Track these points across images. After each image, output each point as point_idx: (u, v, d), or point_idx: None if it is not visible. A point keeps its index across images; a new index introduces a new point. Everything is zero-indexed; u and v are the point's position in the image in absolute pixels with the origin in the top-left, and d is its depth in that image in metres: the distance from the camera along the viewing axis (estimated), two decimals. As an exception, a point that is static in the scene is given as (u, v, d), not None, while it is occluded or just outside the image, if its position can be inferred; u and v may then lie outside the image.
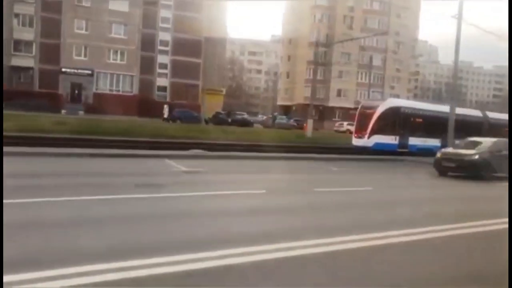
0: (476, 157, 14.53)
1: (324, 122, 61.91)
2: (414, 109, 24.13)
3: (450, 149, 16.40)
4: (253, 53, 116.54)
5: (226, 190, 9.05)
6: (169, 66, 48.37)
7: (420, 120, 23.72)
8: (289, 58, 70.23)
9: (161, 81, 48.53)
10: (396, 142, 22.66)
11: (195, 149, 16.18)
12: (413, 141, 23.09)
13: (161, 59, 48.41)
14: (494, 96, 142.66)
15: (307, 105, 67.24)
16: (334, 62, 65.12)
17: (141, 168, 12.20)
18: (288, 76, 70.51)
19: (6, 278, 3.48)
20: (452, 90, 26.44)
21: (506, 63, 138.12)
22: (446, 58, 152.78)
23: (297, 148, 21.52)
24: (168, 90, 48.70)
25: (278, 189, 9.82)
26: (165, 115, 39.25)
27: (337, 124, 54.63)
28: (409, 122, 23.22)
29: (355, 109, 68.13)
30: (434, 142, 22.73)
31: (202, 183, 10.37)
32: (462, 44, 20.73)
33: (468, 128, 21.64)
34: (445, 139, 20.77)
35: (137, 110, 42.46)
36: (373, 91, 66.59)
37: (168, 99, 48.15)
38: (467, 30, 25.47)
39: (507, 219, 6.63)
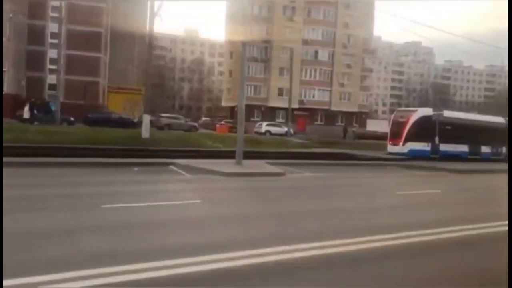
0: None
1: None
2: (444, 117, 25.71)
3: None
4: (192, 52, 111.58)
5: None
6: (62, 61, 42.94)
7: (450, 127, 25.13)
8: (231, 55, 64.45)
9: (53, 79, 43.20)
10: (429, 148, 24.35)
11: None
12: (444, 147, 24.65)
13: (53, 53, 43.11)
14: (486, 96, 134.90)
15: (249, 106, 61.88)
16: (274, 58, 59.23)
17: None
18: (231, 75, 64.74)
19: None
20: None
21: (497, 63, 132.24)
22: (441, 58, 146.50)
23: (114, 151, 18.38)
24: (61, 88, 43.20)
25: None
26: (25, 115, 33.69)
27: (256, 125, 48.65)
28: (440, 129, 24.69)
29: (300, 109, 62.79)
30: (462, 148, 25.42)
31: None
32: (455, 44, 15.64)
33: (493, 135, 24.63)
34: (472, 145, 25.11)
35: (10, 111, 37.07)
36: (319, 89, 60.69)
37: (62, 99, 42.61)
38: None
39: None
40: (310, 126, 60.68)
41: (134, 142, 22.97)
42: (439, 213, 8.69)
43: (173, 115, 41.48)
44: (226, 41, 67.73)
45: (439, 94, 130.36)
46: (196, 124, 40.93)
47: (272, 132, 45.21)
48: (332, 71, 61.55)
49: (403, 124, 24.59)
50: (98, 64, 44.09)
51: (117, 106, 48.36)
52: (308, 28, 60.01)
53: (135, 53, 52.50)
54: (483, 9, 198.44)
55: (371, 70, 65.26)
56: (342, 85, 61.95)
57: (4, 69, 38.86)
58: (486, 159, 25.87)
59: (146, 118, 24.53)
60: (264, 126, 46.22)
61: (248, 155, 21.63)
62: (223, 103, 68.14)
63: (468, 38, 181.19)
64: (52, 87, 43.54)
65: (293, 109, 61.03)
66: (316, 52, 60.50)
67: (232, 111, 65.49)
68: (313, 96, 61.11)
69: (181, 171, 13.77)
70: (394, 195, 11.41)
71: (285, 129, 46.28)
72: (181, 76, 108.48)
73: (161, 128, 37.24)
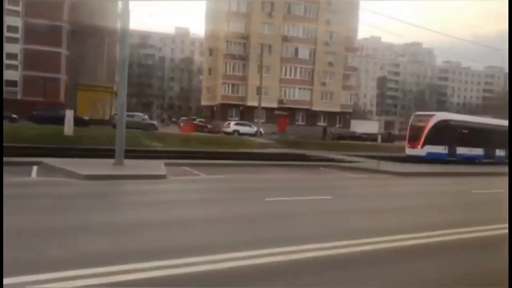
0: None
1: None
2: (461, 121, 26.82)
3: None
4: (182, 51, 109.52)
5: None
6: (20, 56, 41.19)
7: (466, 131, 25.95)
8: (210, 52, 62.43)
9: (11, 74, 41.35)
10: (446, 151, 24.88)
11: None
12: (460, 150, 25.32)
13: (11, 48, 41.24)
14: (484, 98, 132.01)
15: (227, 105, 59.86)
16: (252, 55, 57.01)
17: None
18: (210, 73, 62.69)
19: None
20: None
21: (496, 64, 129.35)
22: (439, 60, 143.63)
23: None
24: (19, 84, 41.46)
25: None
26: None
27: (224, 124, 46.50)
28: (456, 133, 25.52)
29: (280, 109, 60.57)
30: (478, 151, 26.08)
31: None
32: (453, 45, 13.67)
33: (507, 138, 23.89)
34: (487, 148, 25.83)
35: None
36: (300, 88, 58.50)
37: (20, 95, 40.81)
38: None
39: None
40: (291, 126, 58.53)
41: (54, 140, 21.07)
42: (270, 230, 6.64)
43: (130, 113, 39.25)
44: (206, 38, 65.62)
45: (436, 95, 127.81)
46: (155, 122, 38.83)
47: (241, 131, 43.04)
48: (313, 70, 59.31)
49: (422, 128, 25.24)
50: (59, 59, 42.15)
51: (86, 104, 46.55)
52: (288, 25, 57.85)
53: (105, 49, 50.47)
54: (482, 10, 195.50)
55: (355, 69, 62.87)
56: (323, 84, 59.68)
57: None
58: (500, 162, 25.82)
59: (69, 114, 22.50)
60: (232, 126, 44.06)
61: (180, 155, 20.02)
62: (203, 102, 66.08)
63: (466, 40, 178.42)
64: (10, 83, 41.69)
65: (273, 109, 59.10)
66: (296, 50, 58.31)
67: (212, 110, 63.49)
68: (294, 95, 58.90)
69: (33, 173, 11.71)
70: (259, 202, 9.24)
71: (255, 128, 44.15)
72: (171, 75, 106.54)
73: (115, 126, 35.17)
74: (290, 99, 58.81)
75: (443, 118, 26.15)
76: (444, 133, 24.98)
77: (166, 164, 14.85)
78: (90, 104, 45.82)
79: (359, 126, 72.39)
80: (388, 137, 44.19)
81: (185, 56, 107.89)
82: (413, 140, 25.50)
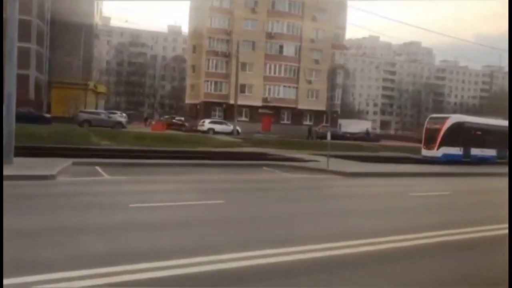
0: None
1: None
2: (475, 123, 27.04)
3: None
4: (174, 49, 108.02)
5: None
6: (-14, 52, 39.66)
7: (480, 133, 26.56)
8: (194, 49, 60.90)
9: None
10: (461, 152, 25.59)
11: None
12: (474, 151, 26.03)
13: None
14: (481, 97, 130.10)
15: (210, 103, 58.30)
16: (235, 53, 55.44)
17: None
18: (194, 70, 61.15)
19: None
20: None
21: (494, 63, 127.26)
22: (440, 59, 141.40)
23: None
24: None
25: None
26: None
27: (199, 122, 44.99)
28: (471, 135, 26.13)
29: (265, 107, 58.95)
30: (491, 152, 26.64)
31: None
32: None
33: None
34: (500, 149, 25.83)
35: None
36: (285, 86, 56.92)
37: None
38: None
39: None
40: (276, 125, 57.00)
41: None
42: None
43: (95, 111, 37.94)
44: (189, 34, 64.10)
45: (433, 95, 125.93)
46: (122, 120, 37.29)
47: (216, 130, 41.58)
48: (298, 67, 57.69)
49: (437, 130, 25.88)
50: (28, 55, 40.63)
51: (60, 102, 45.24)
52: (272, 21, 56.26)
53: (81, 46, 49.05)
54: (483, 10, 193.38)
55: (342, 67, 61.13)
56: (309, 82, 58.05)
57: None
58: None
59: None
60: (207, 124, 42.57)
61: (118, 154, 18.57)
62: (187, 101, 64.52)
63: (466, 40, 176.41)
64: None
65: (257, 107, 57.54)
66: (281, 47, 56.72)
67: (196, 109, 62.00)
68: (278, 94, 57.32)
69: None
70: (124, 210, 7.69)
71: (231, 127, 42.66)
72: (162, 73, 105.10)
73: (80, 124, 33.78)
74: (275, 98, 57.24)
75: (458, 120, 26.76)
76: (459, 134, 25.72)
77: (77, 164, 13.39)
78: (65, 102, 44.39)
79: (350, 125, 70.82)
80: (368, 136, 42.64)
81: (177, 54, 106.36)
82: (429, 142, 26.26)
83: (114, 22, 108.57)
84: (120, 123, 35.98)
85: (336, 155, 26.02)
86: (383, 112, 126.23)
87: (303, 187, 13.31)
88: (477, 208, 10.54)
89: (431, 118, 28.24)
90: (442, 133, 25.47)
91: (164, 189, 10.93)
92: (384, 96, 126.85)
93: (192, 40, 61.76)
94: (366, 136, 46.12)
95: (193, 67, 61.19)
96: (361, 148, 34.51)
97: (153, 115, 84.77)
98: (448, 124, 25.85)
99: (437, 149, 25.37)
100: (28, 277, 4.01)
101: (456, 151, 25.43)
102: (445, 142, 25.32)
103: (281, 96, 57.41)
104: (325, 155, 25.84)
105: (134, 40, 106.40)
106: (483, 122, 27.96)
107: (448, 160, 24.44)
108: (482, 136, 26.75)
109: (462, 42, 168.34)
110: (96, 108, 55.95)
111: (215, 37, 56.30)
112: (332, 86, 20.80)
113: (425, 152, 26.17)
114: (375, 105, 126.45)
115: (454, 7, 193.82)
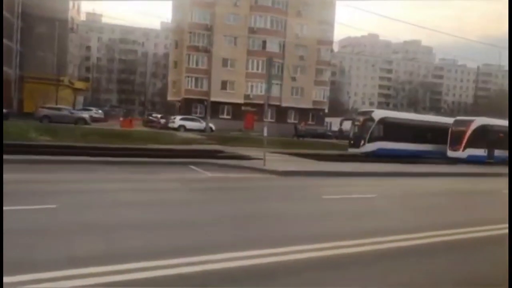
0: None
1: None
2: (498, 126, 27.65)
3: None
4: (166, 46, 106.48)
5: None
6: None
7: (502, 135, 26.74)
8: (176, 44, 59.31)
9: None
10: (485, 154, 26.63)
11: None
12: (497, 153, 26.66)
13: None
14: (480, 96, 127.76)
15: (191, 100, 56.65)
16: (216, 48, 53.80)
17: None
18: (176, 66, 59.54)
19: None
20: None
21: (493, 62, 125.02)
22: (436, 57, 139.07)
23: None
24: None
25: None
26: None
27: (170, 118, 43.39)
28: (493, 136, 26.97)
29: (247, 104, 57.26)
30: None
31: None
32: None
33: None
34: None
35: None
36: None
37: None
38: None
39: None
40: (260, 123, 55.13)
41: None
42: None
43: (55, 106, 36.37)
44: (171, 29, 62.46)
45: (430, 94, 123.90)
46: (85, 116, 35.71)
47: (188, 127, 39.96)
48: (282, 64, 55.91)
49: (463, 132, 26.72)
50: (-7, 48, 39.08)
51: (32, 97, 43.88)
52: (254, 15, 54.54)
53: (55, 41, 47.53)
54: (481, 9, 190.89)
55: (328, 64, 59.31)
56: (294, 79, 56.27)
57: None
58: None
59: None
60: (178, 121, 40.94)
61: (45, 151, 17.02)
62: (169, 97, 62.85)
63: (464, 37, 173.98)
64: None
65: (240, 105, 55.85)
66: (264, 42, 54.97)
67: (177, 106, 60.48)
68: (261, 91, 55.41)
69: None
70: None
71: (204, 124, 41.06)
72: (153, 71, 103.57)
73: (40, 119, 32.31)
74: (258, 95, 55.43)
75: (483, 123, 27.49)
76: (483, 137, 26.78)
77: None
78: (36, 97, 42.94)
79: (335, 124, 69.09)
80: (340, 135, 40.96)
81: (169, 51, 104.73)
82: (455, 143, 26.94)
83: (105, 19, 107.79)
84: (83, 119, 34.40)
85: (298, 153, 24.63)
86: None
87: (212, 188, 11.67)
88: (379, 216, 8.88)
89: (456, 120, 28.87)
90: (467, 135, 26.50)
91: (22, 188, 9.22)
92: (380, 94, 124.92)
93: (175, 36, 60.20)
94: (340, 134, 44.51)
95: (175, 63, 59.59)
96: (334, 146, 32.89)
97: (144, 112, 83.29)
98: (473, 126, 26.94)
99: (463, 150, 26.38)
100: None
101: (481, 152, 26.49)
102: (470, 144, 26.35)
103: (264, 93, 55.58)
104: (287, 153, 24.45)
105: (125, 37, 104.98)
106: (505, 125, 28.08)
107: (473, 161, 25.30)
108: (504, 139, 26.83)
109: (463, 41, 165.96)
110: (74, 105, 54.54)
111: (196, 32, 54.66)
112: (269, 78, 19.17)
113: (450, 153, 26.86)
114: (371, 103, 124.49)
115: (459, 8, 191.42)
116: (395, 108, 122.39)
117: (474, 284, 4.99)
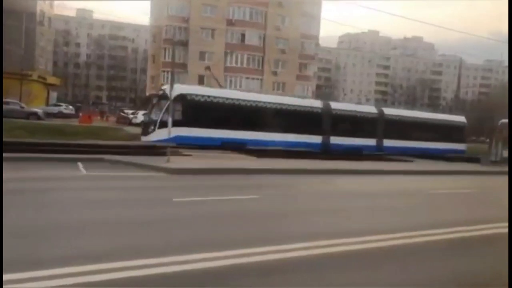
0: None
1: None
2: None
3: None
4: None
5: None
6: None
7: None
8: (154, 38, 57.32)
9: None
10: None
11: None
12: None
13: None
14: (480, 93, 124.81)
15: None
16: (193, 41, 51.75)
17: None
18: (154, 60, 57.55)
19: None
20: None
21: (495, 57, 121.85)
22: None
23: None
24: None
25: None
26: None
27: (136, 113, 41.36)
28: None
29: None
30: None
31: None
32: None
33: None
34: None
35: None
36: (247, 78, 53.07)
37: None
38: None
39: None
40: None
41: None
42: None
43: (5, 100, 34.30)
44: (150, 22, 60.38)
45: (429, 91, 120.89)
46: (38, 111, 33.66)
47: (150, 122, 37.74)
48: (263, 57, 53.69)
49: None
50: None
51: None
52: (233, 7, 52.30)
53: (23, 34, 45.62)
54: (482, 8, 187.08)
55: (312, 58, 56.88)
56: (275, 73, 54.04)
57: None
58: None
59: None
60: (140, 116, 38.82)
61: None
62: (148, 93, 60.79)
63: (466, 32, 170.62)
64: None
65: (219, 100, 53.70)
66: (243, 35, 52.73)
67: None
68: (240, 85, 53.34)
69: None
70: None
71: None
72: (143, 67, 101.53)
73: (-15, 114, 30.30)
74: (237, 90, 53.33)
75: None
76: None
77: None
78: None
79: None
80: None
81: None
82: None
83: (96, 16, 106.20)
84: (35, 114, 32.37)
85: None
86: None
87: (47, 189, 9.49)
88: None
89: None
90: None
91: None
92: (377, 91, 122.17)
93: (153, 29, 58.17)
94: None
95: (153, 57, 57.62)
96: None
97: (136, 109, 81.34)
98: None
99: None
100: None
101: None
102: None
103: (243, 88, 53.47)
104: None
105: (115, 33, 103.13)
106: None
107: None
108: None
109: (471, 38, 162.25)
110: (48, 101, 52.65)
111: (173, 25, 52.56)
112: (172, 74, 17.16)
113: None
114: (367, 100, 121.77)
115: (465, 6, 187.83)
116: (392, 105, 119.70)
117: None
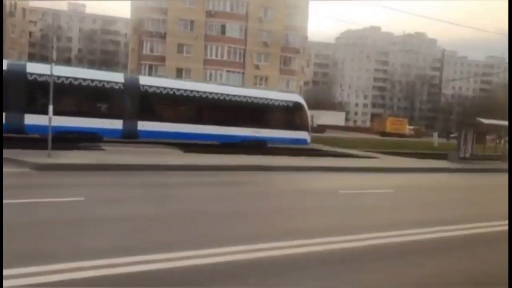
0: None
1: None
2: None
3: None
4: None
5: None
6: None
7: None
8: (134, 30, 55.54)
9: None
10: None
11: None
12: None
13: None
14: (481, 89, 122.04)
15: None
16: (171, 33, 49.90)
17: None
18: (133, 53, 55.75)
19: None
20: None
21: (496, 54, 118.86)
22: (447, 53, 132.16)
23: None
24: None
25: None
26: None
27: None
28: None
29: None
30: None
31: None
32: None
33: None
34: None
35: None
36: (228, 71, 51.17)
37: None
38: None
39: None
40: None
41: None
42: None
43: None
44: (131, 15, 58.51)
45: (428, 87, 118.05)
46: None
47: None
48: (244, 50, 51.72)
49: None
50: None
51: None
52: (213, -3, 50.37)
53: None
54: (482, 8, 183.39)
55: (297, 51, 54.67)
56: (257, 67, 52.07)
57: None
58: None
59: None
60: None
61: None
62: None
63: (468, 26, 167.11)
64: None
65: (199, 94, 51.82)
66: (223, 26, 50.72)
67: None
68: (221, 79, 51.39)
69: None
70: None
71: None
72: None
73: None
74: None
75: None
76: None
77: None
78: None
79: (321, 117, 64.95)
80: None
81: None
82: None
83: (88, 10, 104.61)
84: None
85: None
86: (374, 105, 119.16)
87: None
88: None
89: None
90: None
91: None
92: (375, 87, 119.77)
93: (133, 21, 56.36)
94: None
95: (133, 50, 55.83)
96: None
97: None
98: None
99: None
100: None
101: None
102: None
103: (224, 82, 51.55)
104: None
105: (107, 27, 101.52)
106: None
107: None
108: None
109: (479, 34, 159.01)
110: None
111: (151, 16, 50.73)
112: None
113: None
114: (365, 97, 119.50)
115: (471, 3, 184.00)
116: (391, 101, 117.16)
117: None
